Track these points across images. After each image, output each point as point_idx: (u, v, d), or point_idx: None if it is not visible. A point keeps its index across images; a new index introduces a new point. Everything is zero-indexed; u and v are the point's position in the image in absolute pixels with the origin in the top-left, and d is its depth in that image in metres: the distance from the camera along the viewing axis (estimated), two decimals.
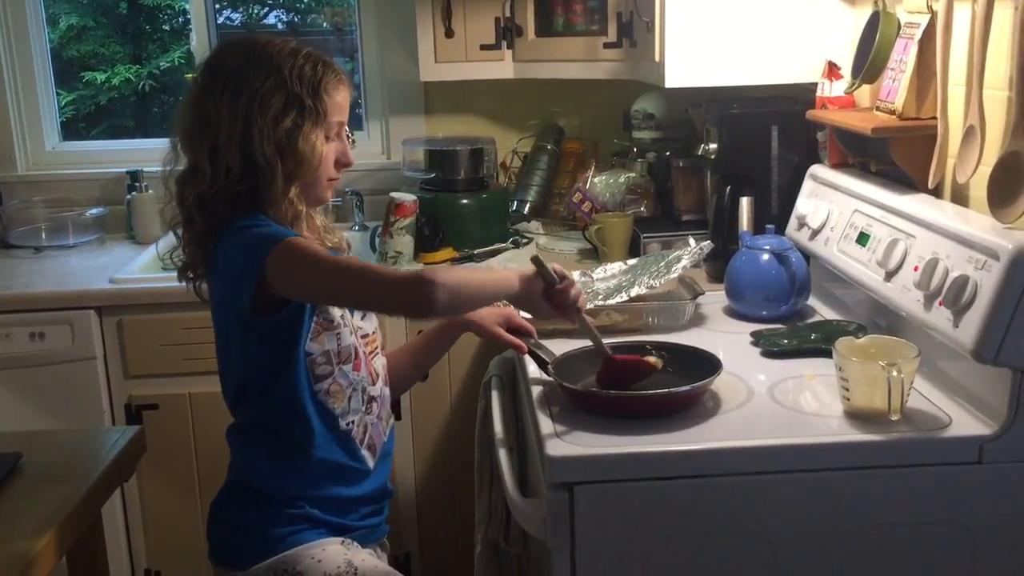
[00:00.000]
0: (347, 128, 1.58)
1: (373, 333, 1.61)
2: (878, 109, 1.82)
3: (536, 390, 1.66)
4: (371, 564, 1.53)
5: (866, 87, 1.90)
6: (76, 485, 1.56)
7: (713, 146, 2.30)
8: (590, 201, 2.57)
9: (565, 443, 1.46)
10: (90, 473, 1.61)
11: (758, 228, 2.09)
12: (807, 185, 2.10)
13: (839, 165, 2.04)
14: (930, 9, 1.68)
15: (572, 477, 1.42)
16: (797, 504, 1.46)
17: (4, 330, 2.38)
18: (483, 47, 2.63)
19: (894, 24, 1.79)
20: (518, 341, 1.73)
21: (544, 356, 1.69)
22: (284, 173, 1.47)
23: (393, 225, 2.48)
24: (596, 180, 2.63)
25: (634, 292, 1.92)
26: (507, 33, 2.62)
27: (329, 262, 1.45)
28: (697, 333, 1.93)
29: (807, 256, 2.01)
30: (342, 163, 1.56)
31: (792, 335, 1.83)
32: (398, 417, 2.36)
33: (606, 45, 2.48)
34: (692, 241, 2.09)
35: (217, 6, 3.15)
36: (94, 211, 2.88)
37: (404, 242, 2.47)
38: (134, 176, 2.88)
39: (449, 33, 2.61)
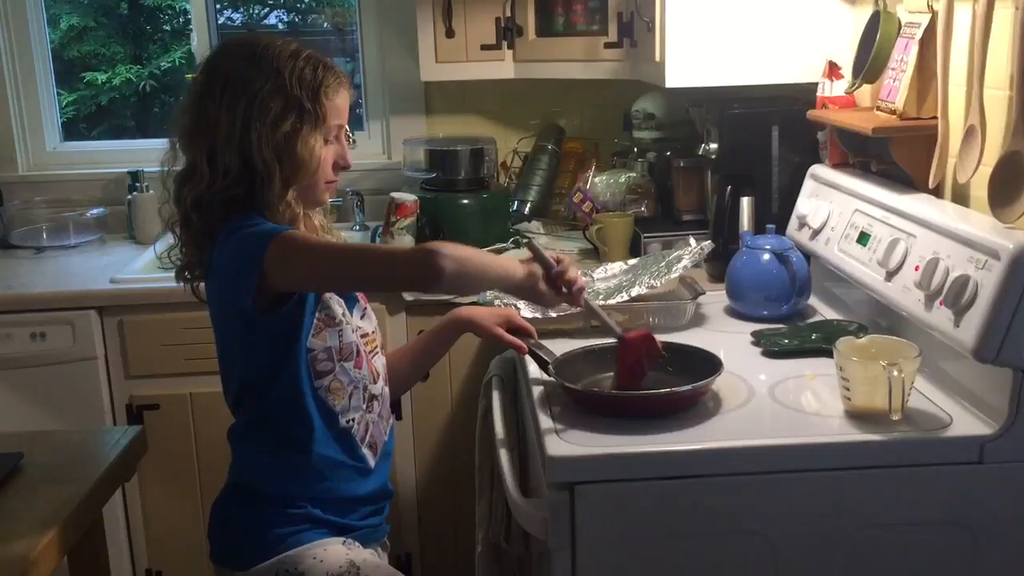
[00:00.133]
0: (347, 128, 1.58)
1: (373, 332, 1.61)
2: (879, 109, 1.82)
3: (537, 390, 1.66)
4: (373, 564, 1.53)
5: (867, 87, 1.90)
6: (77, 485, 1.56)
7: (714, 146, 2.30)
8: (591, 201, 2.57)
9: (566, 443, 1.46)
10: (91, 473, 1.61)
11: (759, 228, 2.09)
12: (808, 185, 2.10)
13: (840, 165, 2.04)
14: (931, 9, 1.68)
15: (573, 477, 1.42)
16: (798, 504, 1.46)
17: (5, 330, 2.38)
18: (484, 47, 2.62)
19: (895, 24, 1.79)
20: (518, 341, 1.73)
21: (544, 356, 1.69)
22: (282, 176, 1.47)
23: (394, 225, 2.48)
24: (597, 180, 2.63)
25: (635, 292, 1.92)
26: (508, 33, 2.62)
27: (329, 246, 1.46)
28: (698, 333, 1.93)
29: (808, 256, 2.01)
30: (340, 165, 1.56)
31: (793, 335, 1.83)
32: (399, 417, 2.36)
33: (607, 45, 2.48)
34: (693, 241, 2.09)
35: (218, 6, 3.16)
36: (95, 211, 2.89)
37: (405, 242, 2.47)
38: (135, 176, 2.88)
39: (450, 33, 2.61)
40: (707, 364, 1.60)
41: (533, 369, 1.73)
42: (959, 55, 1.62)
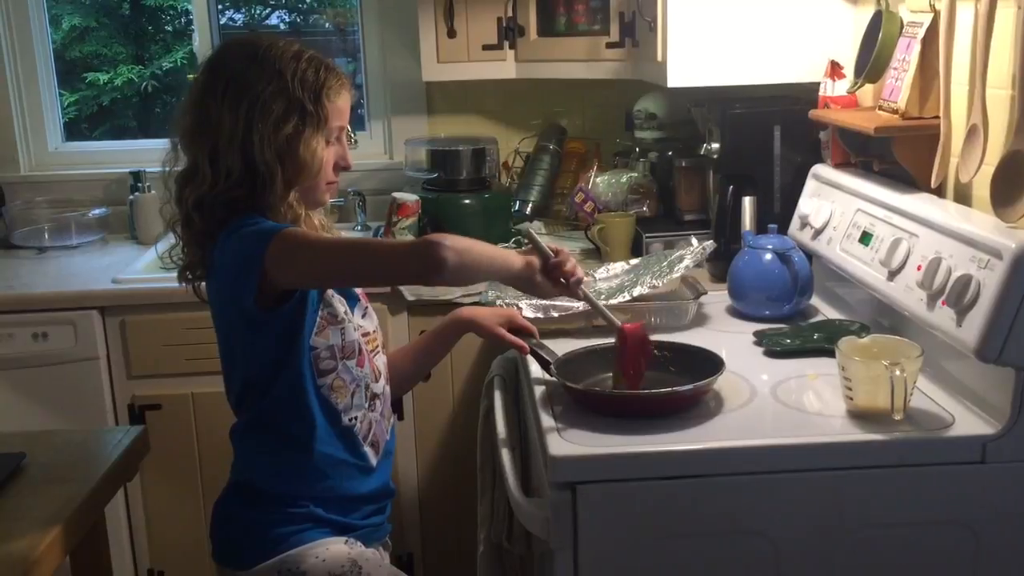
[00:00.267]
0: (349, 129, 1.58)
1: (374, 332, 1.62)
2: (881, 108, 1.82)
3: (538, 390, 1.66)
4: (375, 563, 1.53)
5: (869, 86, 1.90)
6: (79, 485, 1.56)
7: (715, 146, 2.30)
8: (592, 201, 2.57)
9: (568, 443, 1.46)
10: (93, 473, 1.61)
11: (761, 228, 2.09)
12: (810, 185, 2.10)
13: (842, 164, 2.04)
14: (933, 8, 1.68)
15: (575, 477, 1.42)
16: (800, 504, 1.46)
17: (7, 330, 2.38)
18: (485, 47, 2.63)
19: (897, 23, 1.79)
20: (520, 341, 1.72)
21: (546, 356, 1.69)
22: (284, 178, 1.48)
23: (395, 225, 2.48)
24: (598, 180, 2.63)
25: (636, 292, 1.92)
26: (509, 33, 2.62)
27: (330, 241, 1.46)
28: (700, 333, 1.93)
29: (810, 256, 2.01)
30: (341, 166, 1.57)
31: (795, 335, 1.83)
32: (400, 417, 2.37)
33: (608, 45, 2.48)
34: (695, 241, 2.09)
35: (220, 7, 3.16)
36: (97, 211, 2.89)
37: (407, 240, 2.47)
38: (136, 176, 2.88)
39: (451, 33, 2.61)
40: (709, 364, 1.60)
41: (535, 369, 1.73)
42: (961, 54, 1.62)
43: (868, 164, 1.94)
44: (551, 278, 1.52)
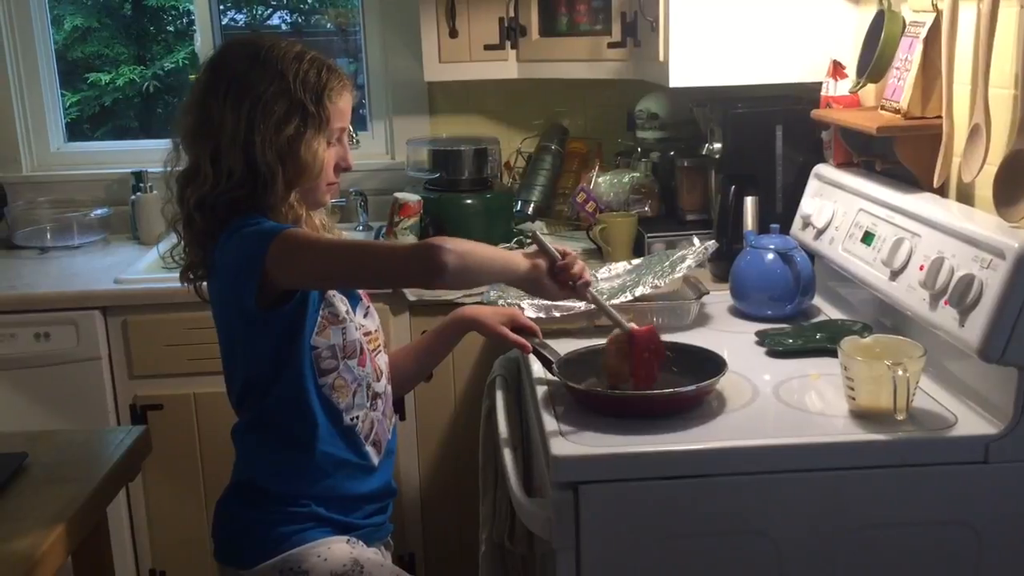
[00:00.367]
0: (350, 129, 1.58)
1: (376, 331, 1.62)
2: (883, 108, 1.81)
3: (541, 390, 1.66)
4: (377, 563, 1.53)
5: (871, 86, 1.90)
6: (81, 485, 1.56)
7: (717, 146, 2.30)
8: (594, 201, 2.57)
9: (570, 443, 1.46)
10: (95, 473, 1.61)
11: (763, 228, 2.09)
12: (812, 184, 2.10)
13: (844, 164, 2.04)
14: (935, 8, 1.68)
15: (577, 477, 1.42)
16: (802, 504, 1.45)
17: (9, 330, 2.38)
18: (487, 47, 2.62)
19: (899, 23, 1.79)
20: (523, 340, 1.72)
21: (549, 355, 1.69)
22: (285, 179, 1.48)
23: (397, 225, 2.48)
24: (600, 180, 2.62)
25: (639, 292, 1.92)
26: (511, 33, 2.62)
27: (331, 242, 1.46)
28: (702, 333, 1.92)
29: (812, 255, 2.01)
30: (342, 167, 1.57)
31: (797, 335, 1.82)
32: (402, 417, 2.37)
33: (610, 45, 2.48)
34: (696, 241, 2.09)
35: (221, 7, 3.16)
36: (99, 212, 2.89)
37: (408, 242, 2.47)
38: (138, 177, 2.88)
39: (453, 33, 2.61)
40: (711, 364, 1.60)
41: (537, 369, 1.73)
42: (963, 54, 1.62)
43: (870, 164, 1.93)
44: (558, 280, 1.52)
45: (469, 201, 2.62)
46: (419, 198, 2.52)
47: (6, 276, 2.58)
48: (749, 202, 2.16)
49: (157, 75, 3.63)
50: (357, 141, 2.82)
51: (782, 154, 2.22)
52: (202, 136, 1.48)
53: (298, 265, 1.42)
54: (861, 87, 1.89)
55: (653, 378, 1.59)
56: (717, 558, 1.46)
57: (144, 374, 2.43)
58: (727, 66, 2.14)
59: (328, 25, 3.53)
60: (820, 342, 1.77)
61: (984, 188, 1.58)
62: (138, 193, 2.88)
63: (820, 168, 2.10)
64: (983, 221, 1.54)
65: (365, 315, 1.60)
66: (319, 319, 1.49)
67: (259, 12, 3.66)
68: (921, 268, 1.58)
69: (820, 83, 2.04)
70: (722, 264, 2.19)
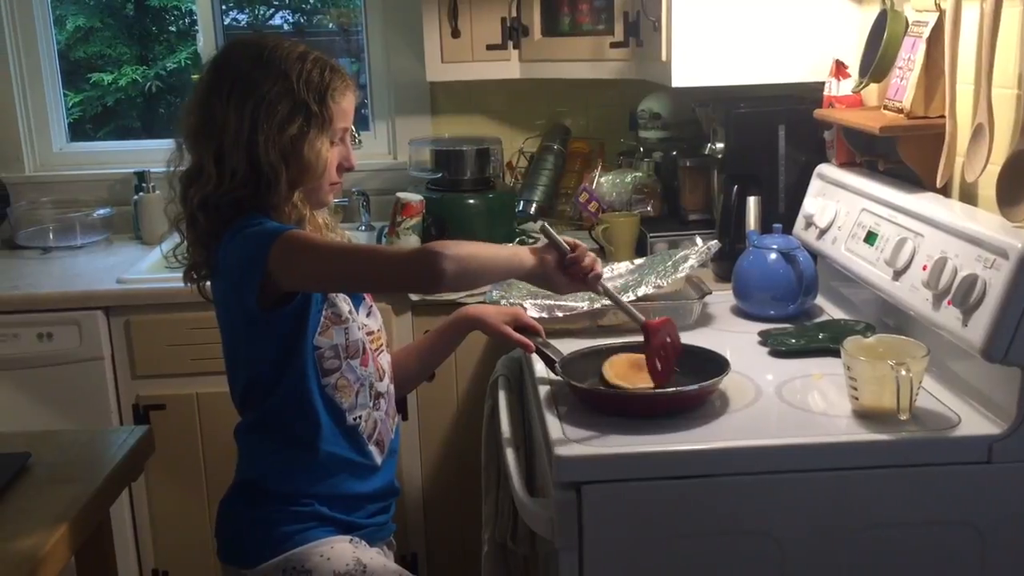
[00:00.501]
0: (353, 129, 1.58)
1: (378, 331, 1.62)
2: (886, 108, 1.81)
3: (543, 389, 1.66)
4: (380, 562, 1.53)
5: (874, 86, 1.90)
6: (84, 485, 1.56)
7: (720, 145, 2.30)
8: (596, 201, 2.57)
9: (573, 443, 1.46)
10: (98, 473, 1.61)
11: (765, 227, 2.09)
12: (814, 184, 2.10)
13: (846, 164, 2.04)
14: (938, 7, 1.68)
15: (580, 477, 1.42)
16: (805, 504, 1.45)
17: (12, 330, 2.39)
18: (489, 47, 2.62)
19: (902, 22, 1.79)
20: (526, 339, 1.72)
21: (552, 355, 1.69)
22: (288, 178, 1.48)
23: (399, 225, 2.48)
24: (602, 180, 2.62)
25: (641, 292, 1.92)
26: (513, 33, 2.62)
27: (331, 246, 1.46)
28: (704, 333, 1.92)
29: (815, 255, 2.01)
30: (344, 167, 1.56)
31: (800, 334, 1.82)
32: (404, 417, 2.37)
33: (612, 45, 2.47)
34: (699, 240, 2.09)
35: (224, 7, 3.16)
36: (101, 212, 2.89)
37: (410, 242, 2.47)
38: (141, 177, 2.88)
39: (455, 33, 2.61)
40: (714, 364, 1.60)
41: (540, 368, 1.73)
42: (967, 54, 1.62)
43: (873, 163, 1.93)
44: (568, 273, 1.51)
45: (471, 201, 2.62)
46: (421, 198, 2.52)
47: (9, 276, 2.58)
48: (752, 202, 2.16)
49: (159, 75, 3.64)
50: (359, 141, 2.82)
51: (785, 154, 2.22)
52: (205, 136, 1.48)
53: (299, 267, 1.42)
54: (864, 87, 1.89)
55: (670, 370, 1.59)
56: (720, 558, 1.46)
57: (147, 374, 2.43)
58: (730, 66, 2.14)
59: (330, 25, 3.53)
60: (823, 342, 1.77)
61: (987, 188, 1.58)
62: (140, 193, 2.88)
63: (823, 168, 2.09)
64: (986, 221, 1.53)
65: (368, 315, 1.60)
66: (322, 319, 1.49)
67: (261, 12, 3.67)
68: (924, 268, 1.58)
69: (823, 83, 2.04)
70: (725, 264, 2.18)
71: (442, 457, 2.47)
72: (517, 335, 1.73)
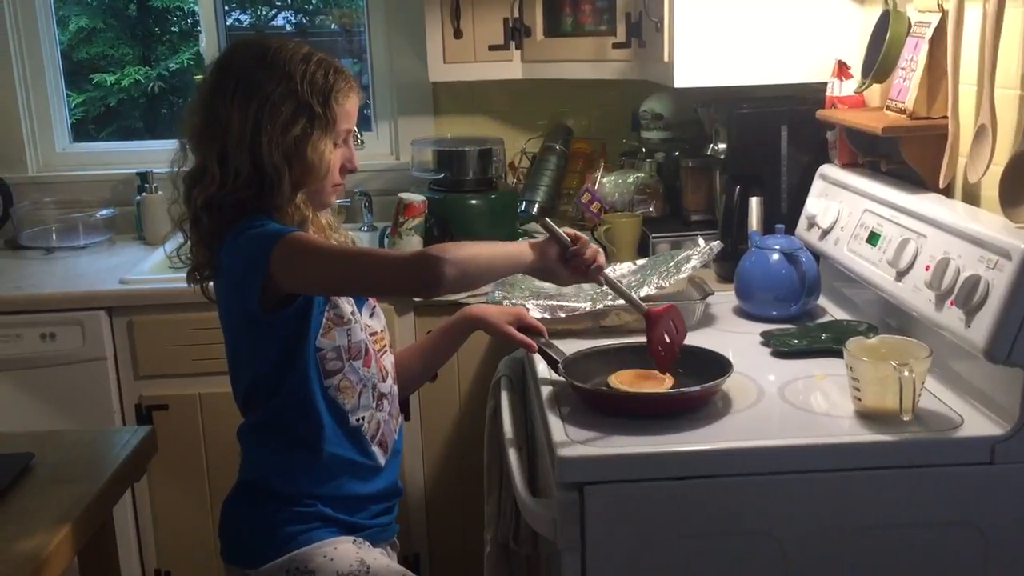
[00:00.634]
0: (356, 130, 1.58)
1: (381, 331, 1.62)
2: (888, 108, 1.81)
3: (546, 390, 1.66)
4: (383, 563, 1.53)
5: (876, 86, 1.90)
6: (87, 485, 1.56)
7: (722, 146, 2.30)
8: (599, 201, 2.57)
9: (575, 443, 1.46)
10: (101, 473, 1.61)
11: (768, 228, 2.09)
12: (817, 185, 2.10)
13: (849, 165, 2.04)
14: (941, 8, 1.67)
15: (582, 477, 1.42)
16: (808, 504, 1.45)
17: (15, 331, 2.39)
18: (492, 47, 2.62)
19: (904, 23, 1.79)
20: (529, 340, 1.72)
21: (554, 355, 1.69)
22: (291, 180, 1.48)
23: (402, 226, 2.48)
24: (605, 180, 2.63)
25: (643, 292, 1.92)
26: (516, 33, 2.62)
27: (333, 250, 1.46)
28: (707, 333, 1.92)
29: (817, 256, 2.01)
30: (347, 169, 1.56)
31: (802, 335, 1.82)
32: (407, 417, 2.37)
33: (615, 45, 2.47)
34: (701, 241, 2.09)
35: (226, 8, 3.16)
36: (104, 212, 2.90)
37: (413, 243, 2.47)
38: (144, 177, 2.88)
39: (458, 34, 2.61)
40: (717, 365, 1.60)
41: (542, 369, 1.73)
42: (969, 54, 1.61)
43: (876, 164, 1.93)
44: (570, 266, 1.51)
45: (474, 201, 2.62)
46: (424, 198, 2.52)
47: (12, 277, 2.58)
48: (754, 202, 2.16)
49: (162, 76, 3.64)
50: (362, 142, 2.82)
51: (787, 154, 2.22)
52: (209, 136, 1.48)
53: (300, 270, 1.43)
54: (866, 87, 1.89)
55: (674, 356, 1.59)
56: (723, 559, 1.46)
57: (150, 374, 2.43)
58: (732, 66, 2.14)
59: (333, 26, 3.53)
60: (825, 343, 1.77)
61: (990, 188, 1.58)
62: (143, 193, 2.88)
63: (825, 168, 2.09)
64: (989, 222, 1.53)
65: (371, 315, 1.60)
66: (324, 320, 1.49)
67: (264, 12, 3.66)
68: (927, 268, 1.58)
69: (825, 83, 2.04)
70: (727, 264, 2.18)
71: (444, 458, 2.47)
72: (520, 335, 1.73)
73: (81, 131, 3.35)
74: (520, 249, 1.50)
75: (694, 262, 1.99)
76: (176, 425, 2.41)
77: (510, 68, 2.66)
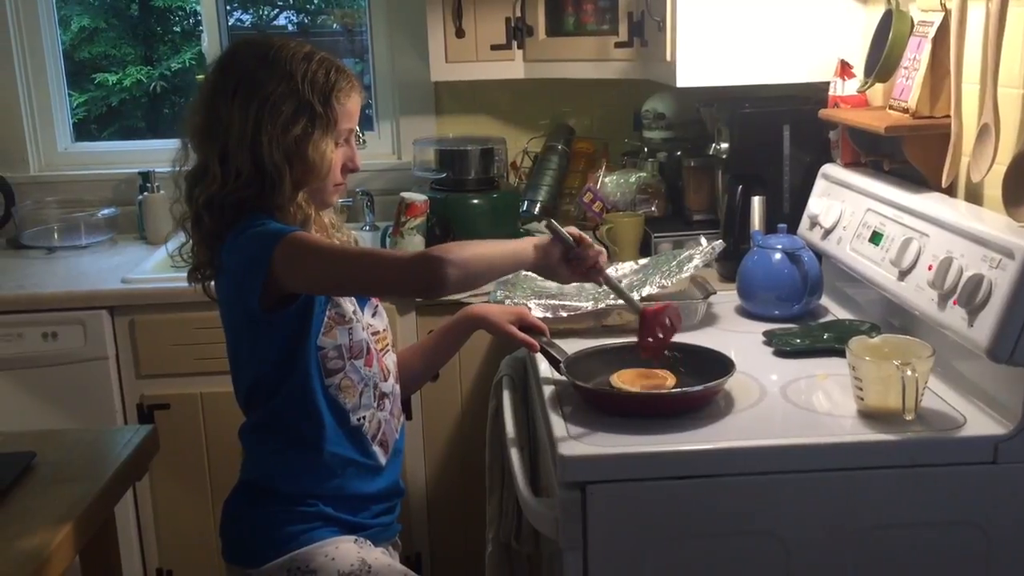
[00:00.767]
0: (358, 130, 1.58)
1: (384, 330, 1.62)
2: (891, 108, 1.81)
3: (548, 389, 1.66)
4: (385, 562, 1.53)
5: (879, 86, 1.89)
6: (89, 484, 1.56)
7: (724, 145, 2.29)
8: (601, 201, 2.57)
9: (577, 442, 1.45)
10: (103, 472, 1.61)
11: (770, 227, 2.09)
12: (819, 184, 2.09)
13: (852, 164, 2.04)
14: (944, 7, 1.67)
15: (584, 476, 1.42)
16: (810, 504, 1.45)
17: (17, 330, 2.39)
18: (494, 47, 2.62)
19: (907, 22, 1.79)
20: (531, 339, 1.72)
21: (556, 354, 1.68)
22: (292, 179, 1.48)
23: (404, 225, 2.48)
24: (607, 180, 2.62)
25: (646, 292, 1.92)
26: (518, 33, 2.62)
27: (335, 250, 1.46)
28: (709, 333, 1.92)
29: (819, 255, 2.00)
30: (349, 168, 1.56)
31: (805, 335, 1.82)
32: (408, 417, 2.36)
33: (617, 45, 2.47)
34: (704, 240, 2.09)
35: (228, 7, 3.16)
36: (106, 212, 2.90)
37: (415, 242, 2.47)
38: (145, 177, 2.89)
39: (460, 33, 2.61)
40: (719, 364, 1.60)
41: (544, 368, 1.73)
42: (972, 53, 1.61)
43: (878, 163, 1.93)
44: (572, 266, 1.51)
45: (475, 201, 2.62)
46: (425, 198, 2.52)
47: (14, 276, 2.58)
48: (756, 202, 2.16)
49: (164, 75, 3.64)
50: (364, 141, 2.81)
51: (789, 154, 2.22)
52: (210, 136, 1.48)
53: (302, 270, 1.42)
54: (869, 87, 1.89)
55: (662, 347, 1.58)
56: (725, 558, 1.46)
57: (151, 374, 2.43)
58: (734, 66, 2.13)
59: (334, 25, 3.53)
60: (828, 342, 1.77)
61: (993, 188, 1.58)
62: (145, 193, 2.88)
63: (828, 168, 2.09)
64: (992, 221, 1.53)
65: (373, 314, 1.60)
66: (325, 319, 1.49)
67: (265, 12, 3.66)
68: (930, 268, 1.58)
69: (828, 83, 2.04)
70: (729, 264, 2.18)
71: (446, 457, 2.47)
72: (522, 334, 1.73)
73: (83, 131, 3.35)
74: (522, 247, 1.50)
75: (696, 261, 1.98)
76: (178, 424, 2.41)
77: (512, 67, 2.65)
